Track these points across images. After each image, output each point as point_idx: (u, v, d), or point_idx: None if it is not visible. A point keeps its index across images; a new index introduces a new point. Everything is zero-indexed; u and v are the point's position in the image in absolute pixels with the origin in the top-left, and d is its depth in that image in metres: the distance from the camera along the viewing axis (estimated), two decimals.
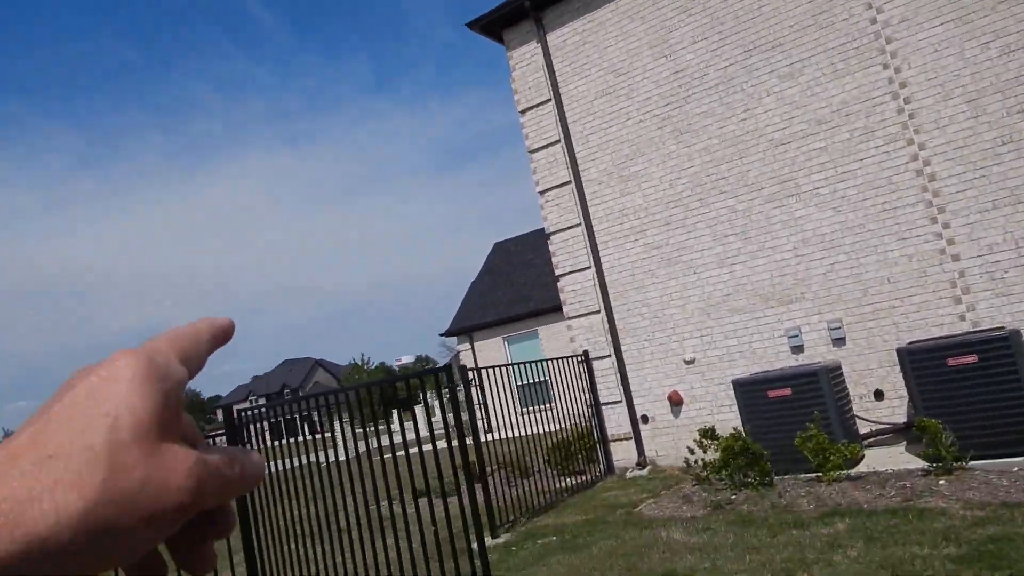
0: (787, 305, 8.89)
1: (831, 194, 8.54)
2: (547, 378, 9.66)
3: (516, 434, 9.23)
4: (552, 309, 22.93)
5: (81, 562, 0.32)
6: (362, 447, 5.36)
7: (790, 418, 7.54)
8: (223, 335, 0.44)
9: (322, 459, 5.59)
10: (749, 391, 7.93)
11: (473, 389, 7.70)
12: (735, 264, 9.20)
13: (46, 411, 0.35)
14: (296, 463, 5.79)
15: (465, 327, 24.74)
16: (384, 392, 5.52)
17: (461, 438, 4.76)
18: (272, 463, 5.64)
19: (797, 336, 8.81)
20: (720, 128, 9.20)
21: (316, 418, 5.32)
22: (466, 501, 7.14)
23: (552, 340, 23.03)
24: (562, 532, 7.49)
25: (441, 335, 26.05)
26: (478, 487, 8.65)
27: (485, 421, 16.36)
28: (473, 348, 24.62)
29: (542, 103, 10.57)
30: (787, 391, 7.59)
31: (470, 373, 7.78)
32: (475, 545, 7.83)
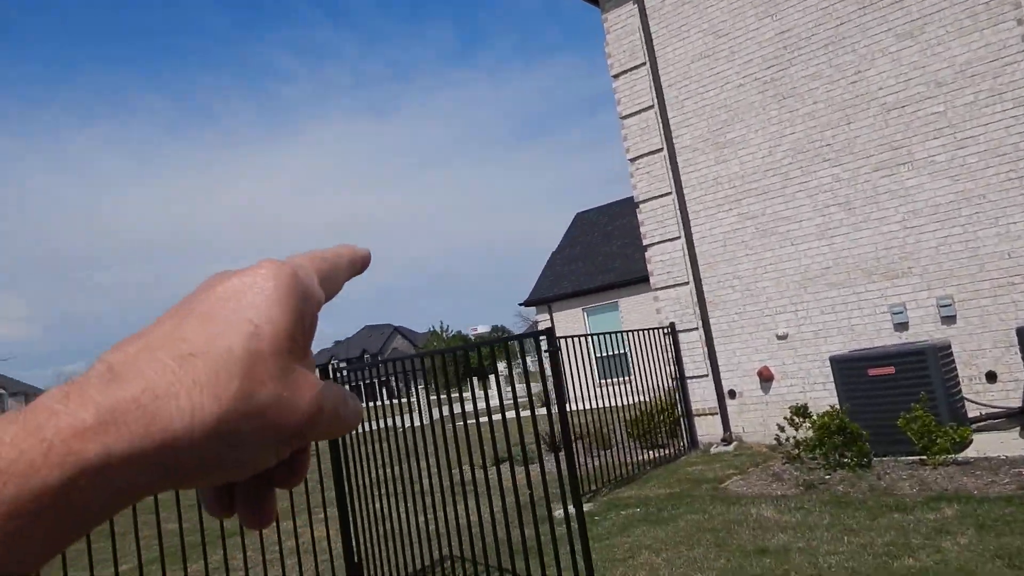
0: (892, 280, 8.41)
1: (948, 162, 7.97)
2: (626, 350, 9.52)
3: (593, 405, 9.17)
4: (633, 281, 22.61)
5: (202, 470, 0.31)
6: (448, 411, 5.42)
7: (892, 398, 7.17)
8: (360, 265, 0.43)
9: (407, 423, 5.68)
10: (848, 368, 7.58)
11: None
12: (836, 236, 8.76)
13: (183, 309, 0.34)
14: (383, 424, 5.91)
15: (544, 297, 24.72)
16: (480, 355, 5.54)
17: (561, 404, 4.71)
18: (365, 423, 5.77)
19: (901, 313, 8.34)
20: (827, 92, 8.71)
21: (408, 381, 5.39)
22: (550, 467, 7.16)
23: (632, 312, 22.74)
24: (646, 504, 7.41)
25: (520, 305, 26.13)
26: (562, 455, 8.69)
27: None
28: (552, 318, 24.59)
29: (636, 67, 10.27)
30: (890, 369, 7.21)
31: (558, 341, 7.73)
32: (558, 512, 7.87)
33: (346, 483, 5.81)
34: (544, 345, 4.05)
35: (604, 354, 9.04)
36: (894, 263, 8.37)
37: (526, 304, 25.61)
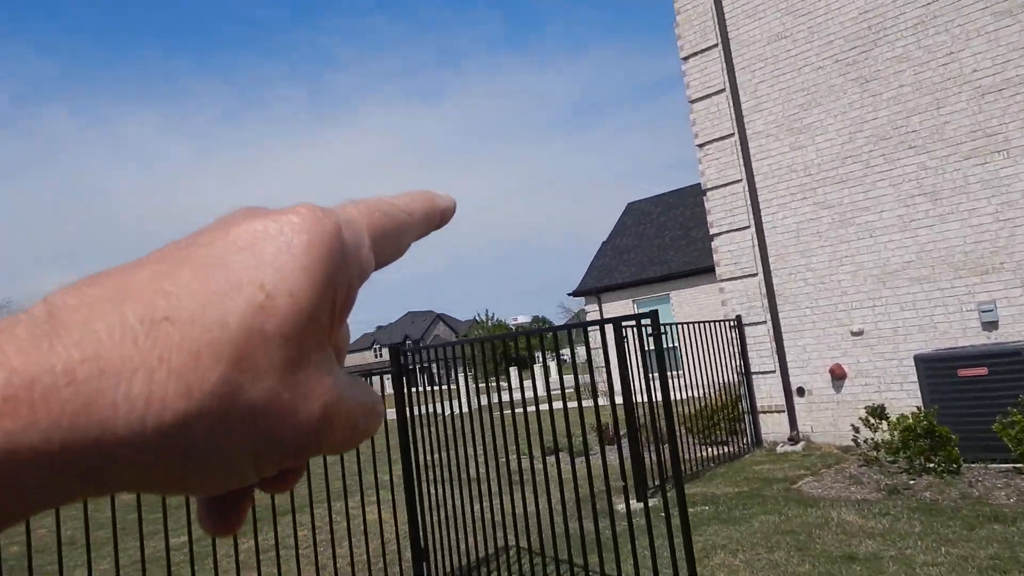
0: (981, 276, 7.91)
1: None
2: (676, 343, 9.17)
3: (640, 399, 8.86)
4: (686, 273, 22.14)
5: (147, 483, 0.23)
6: (496, 398, 5.26)
7: (984, 401, 6.73)
8: (439, 219, 0.33)
9: (451, 409, 5.49)
10: (935, 368, 7.14)
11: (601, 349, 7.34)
12: (920, 228, 8.28)
13: (180, 249, 0.25)
14: (441, 409, 5.76)
15: (594, 287, 24.39)
16: (528, 343, 5.36)
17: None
18: (436, 405, 5.62)
19: (992, 311, 7.84)
20: (915, 74, 8.22)
21: (466, 366, 5.22)
22: (609, 459, 6.93)
23: (684, 305, 22.28)
24: (715, 503, 7.12)
25: (569, 294, 25.83)
26: (622, 447, 8.50)
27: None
28: (601, 309, 24.25)
29: (707, 49, 9.88)
30: (982, 370, 6.76)
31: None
32: (620, 506, 7.64)
33: (414, 465, 5.67)
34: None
35: (650, 347, 8.71)
36: (984, 257, 7.87)
37: (575, 294, 25.31)
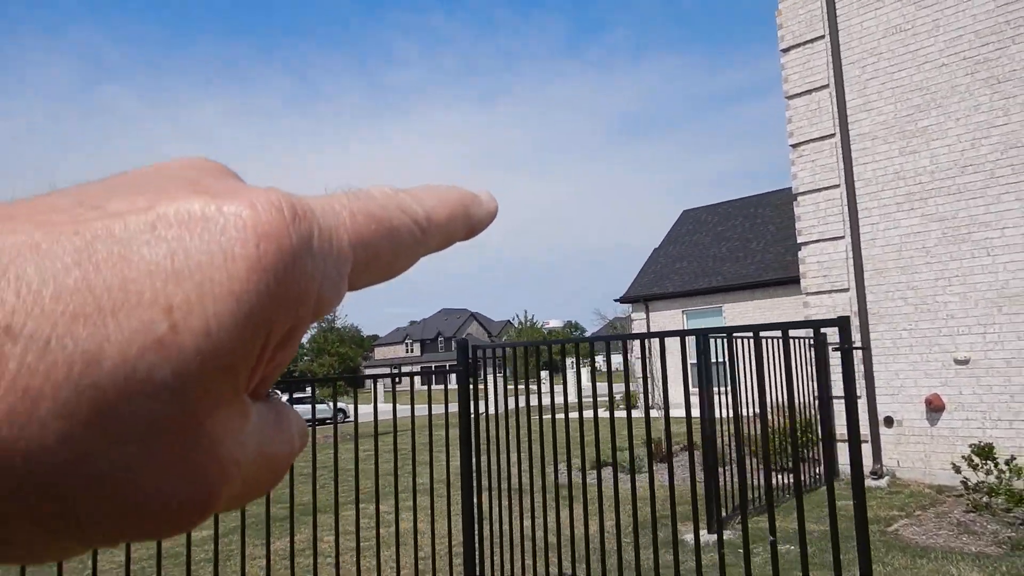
0: None
1: None
2: (725, 359, 8.33)
3: (679, 415, 8.09)
4: (741, 287, 21.17)
5: None
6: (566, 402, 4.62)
7: None
8: (466, 231, 0.25)
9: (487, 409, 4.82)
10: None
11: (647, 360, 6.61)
12: None
13: (85, 203, 0.17)
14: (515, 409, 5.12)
15: (642, 295, 23.52)
16: (563, 350, 4.71)
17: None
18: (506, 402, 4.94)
19: None
20: None
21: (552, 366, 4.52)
22: (662, 480, 6.18)
23: (736, 319, 21.31)
24: (797, 541, 6.31)
25: (616, 300, 24.97)
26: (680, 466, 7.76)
27: (656, 396, 15.40)
28: (648, 318, 23.39)
29: (813, 40, 9.04)
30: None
31: (722, 340, 6.74)
32: (687, 536, 6.88)
33: (474, 473, 5.00)
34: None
35: (693, 361, 7.93)
36: None
37: (623, 300, 24.49)
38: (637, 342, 19.87)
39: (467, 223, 0.25)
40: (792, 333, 9.16)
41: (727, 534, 6.76)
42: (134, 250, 0.16)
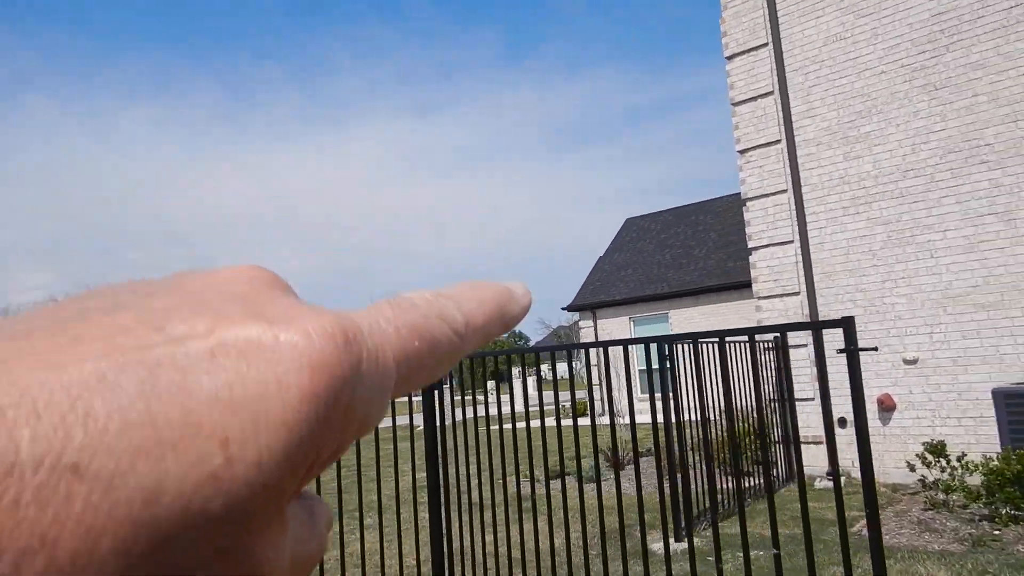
0: None
1: None
2: (674, 364, 8.36)
3: (624, 421, 8.09)
4: (685, 293, 21.47)
5: None
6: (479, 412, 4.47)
7: None
8: (501, 328, 0.25)
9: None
10: (1017, 404, 6.41)
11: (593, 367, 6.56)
12: (990, 251, 7.59)
13: (137, 326, 0.17)
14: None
15: (589, 303, 23.61)
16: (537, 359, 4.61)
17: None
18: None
19: None
20: (992, 84, 7.56)
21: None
22: (624, 487, 6.10)
23: (682, 326, 21.58)
24: (767, 547, 6.29)
25: (563, 309, 25.01)
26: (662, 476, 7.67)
27: (604, 403, 15.36)
28: (596, 326, 23.48)
29: (756, 48, 9.18)
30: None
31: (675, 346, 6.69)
32: (655, 545, 6.78)
33: (441, 493, 4.76)
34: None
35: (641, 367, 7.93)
36: None
37: (570, 308, 24.53)
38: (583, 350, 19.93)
39: (502, 322, 0.25)
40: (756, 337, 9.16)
41: (696, 541, 6.69)
42: (194, 379, 0.16)
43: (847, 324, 2.74)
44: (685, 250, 23.17)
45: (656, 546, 6.75)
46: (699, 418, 4.37)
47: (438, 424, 4.61)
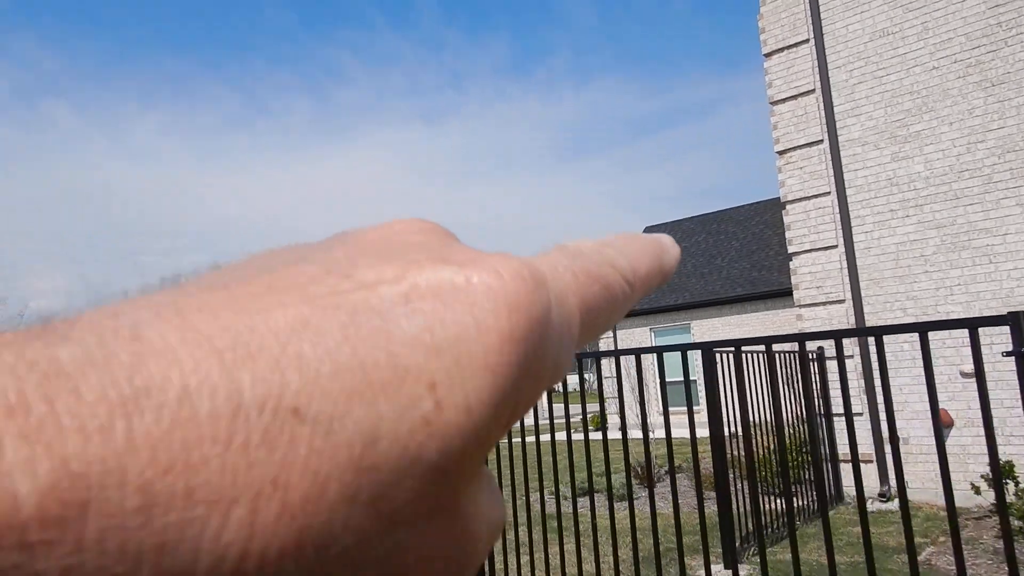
0: None
1: None
2: (697, 376, 7.95)
3: (653, 435, 7.65)
4: (708, 303, 20.98)
5: None
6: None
7: None
8: (659, 281, 0.25)
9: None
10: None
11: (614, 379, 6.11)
12: None
13: (329, 275, 0.17)
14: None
15: None
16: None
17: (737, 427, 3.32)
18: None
19: None
20: None
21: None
22: (660, 507, 5.65)
23: (705, 336, 21.08)
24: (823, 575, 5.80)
25: None
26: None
27: (634, 414, 14.98)
28: (615, 336, 23.00)
29: (797, 44, 8.75)
30: None
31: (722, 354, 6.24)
32: (719, 568, 6.30)
33: None
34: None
35: (681, 378, 7.50)
36: None
37: None
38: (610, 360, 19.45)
39: (662, 273, 0.25)
40: (776, 348, 8.70)
41: (743, 569, 6.21)
42: (394, 323, 0.16)
43: (1015, 320, 2.29)
44: (707, 259, 22.71)
45: (698, 574, 6.28)
46: (741, 432, 3.98)
47: None
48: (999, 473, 2.29)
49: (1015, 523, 6.19)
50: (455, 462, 0.15)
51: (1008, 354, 2.32)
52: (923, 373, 7.61)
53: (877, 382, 8.15)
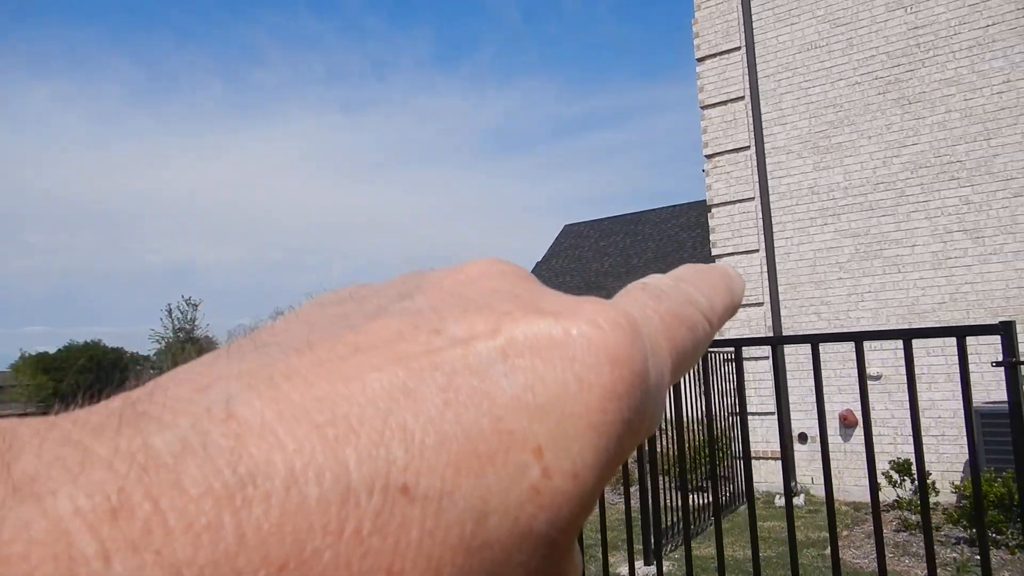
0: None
1: None
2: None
3: None
4: None
5: None
6: None
7: None
8: (734, 308, 0.25)
9: None
10: (995, 425, 6.30)
11: None
12: (957, 268, 7.54)
13: (421, 332, 0.16)
14: None
15: None
16: None
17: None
18: None
19: None
20: (965, 100, 7.53)
21: None
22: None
23: None
24: (741, 571, 5.95)
25: None
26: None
27: None
28: None
29: (729, 51, 8.95)
30: None
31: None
32: (622, 570, 6.34)
33: None
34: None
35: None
36: None
37: None
38: None
39: (733, 305, 0.24)
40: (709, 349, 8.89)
41: (668, 566, 6.29)
42: (493, 383, 0.15)
43: (1005, 329, 2.32)
44: (624, 259, 23.15)
45: (621, 570, 6.32)
46: (674, 428, 3.97)
47: None
48: (921, 472, 2.31)
49: (912, 517, 6.54)
50: (563, 532, 0.15)
51: (998, 364, 2.34)
52: (834, 375, 7.84)
53: (789, 383, 8.46)
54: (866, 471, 7.69)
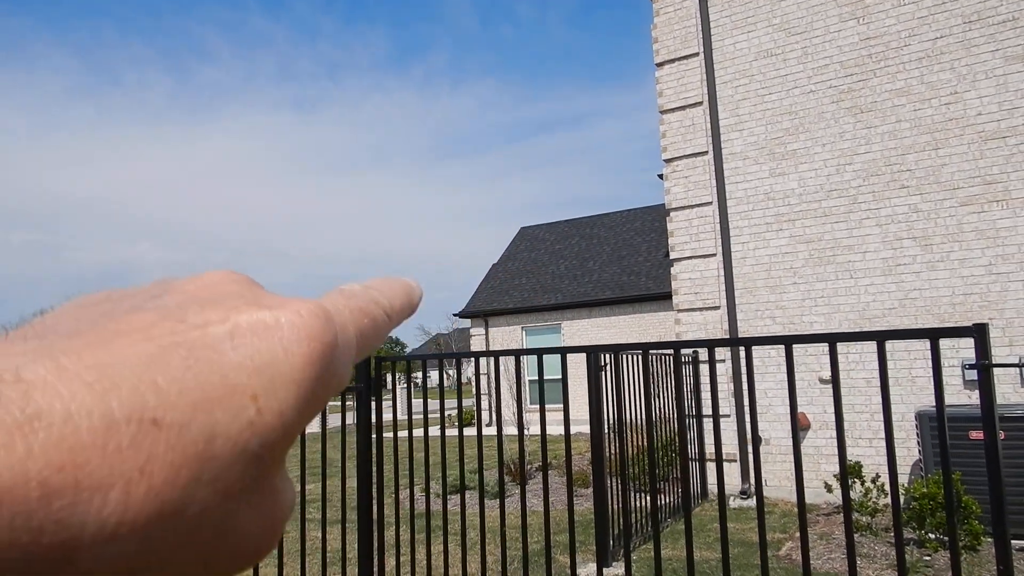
0: None
1: None
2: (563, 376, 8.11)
3: (522, 432, 7.71)
4: (578, 304, 21.46)
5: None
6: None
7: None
8: (408, 314, 0.31)
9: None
10: (939, 428, 6.45)
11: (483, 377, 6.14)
12: (906, 274, 7.73)
13: (170, 320, 0.22)
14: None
15: (482, 310, 23.11)
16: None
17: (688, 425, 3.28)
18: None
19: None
20: (914, 111, 7.73)
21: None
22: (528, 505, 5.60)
23: (574, 338, 21.54)
24: (710, 570, 5.97)
25: (455, 315, 24.35)
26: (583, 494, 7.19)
27: (492, 413, 14.81)
28: (488, 333, 23.00)
29: (687, 57, 9.01)
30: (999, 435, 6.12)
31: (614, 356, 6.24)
32: (583, 572, 6.29)
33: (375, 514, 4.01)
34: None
35: (531, 378, 7.59)
36: (972, 312, 7.41)
37: (462, 315, 23.91)
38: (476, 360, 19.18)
39: (411, 305, 0.31)
40: (659, 352, 8.84)
41: (617, 567, 6.26)
42: (223, 353, 0.21)
43: (979, 331, 2.31)
44: (580, 262, 23.21)
45: (586, 569, 6.27)
46: (617, 431, 3.93)
47: (374, 440, 3.87)
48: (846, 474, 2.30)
49: (863, 519, 6.66)
50: (270, 452, 0.21)
51: (972, 367, 2.33)
52: (787, 378, 7.91)
53: (744, 386, 8.53)
54: (817, 473, 7.71)
